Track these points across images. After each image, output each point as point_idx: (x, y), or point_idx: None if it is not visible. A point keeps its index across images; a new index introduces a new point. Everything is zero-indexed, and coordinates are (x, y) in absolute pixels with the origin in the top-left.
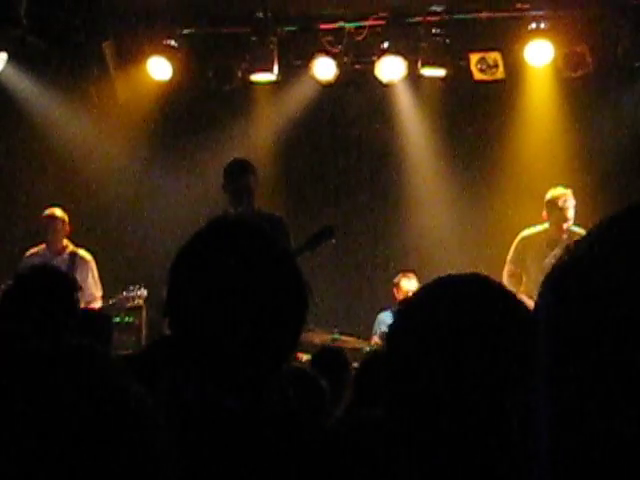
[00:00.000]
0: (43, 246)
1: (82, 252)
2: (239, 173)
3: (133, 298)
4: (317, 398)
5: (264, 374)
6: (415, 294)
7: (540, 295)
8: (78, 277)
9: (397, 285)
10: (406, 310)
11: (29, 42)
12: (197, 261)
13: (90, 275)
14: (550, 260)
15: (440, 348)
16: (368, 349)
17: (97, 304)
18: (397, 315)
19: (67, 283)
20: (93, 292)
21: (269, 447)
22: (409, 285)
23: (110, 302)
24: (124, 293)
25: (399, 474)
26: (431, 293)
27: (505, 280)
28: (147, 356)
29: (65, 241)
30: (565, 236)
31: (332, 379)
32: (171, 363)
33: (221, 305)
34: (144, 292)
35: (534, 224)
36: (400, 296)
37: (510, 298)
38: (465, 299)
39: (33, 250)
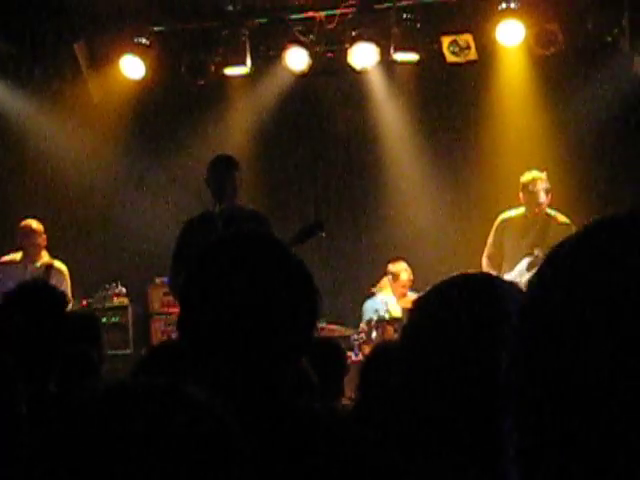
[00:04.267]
0: (19, 255)
1: (57, 263)
2: (224, 169)
3: (111, 296)
4: (308, 391)
5: (277, 377)
6: (430, 292)
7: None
8: None
9: (395, 275)
10: (422, 308)
11: None
12: (210, 272)
13: (63, 286)
14: (525, 243)
15: (457, 345)
16: (356, 337)
17: None
18: (413, 313)
19: (59, 299)
20: None
21: (290, 449)
22: (406, 276)
23: (88, 300)
24: (100, 292)
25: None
26: (447, 291)
27: (483, 262)
28: (150, 361)
29: (42, 252)
30: (541, 219)
31: (330, 370)
32: (179, 369)
33: (236, 315)
34: (122, 289)
35: (514, 205)
36: (398, 285)
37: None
38: (479, 297)
39: (7, 258)
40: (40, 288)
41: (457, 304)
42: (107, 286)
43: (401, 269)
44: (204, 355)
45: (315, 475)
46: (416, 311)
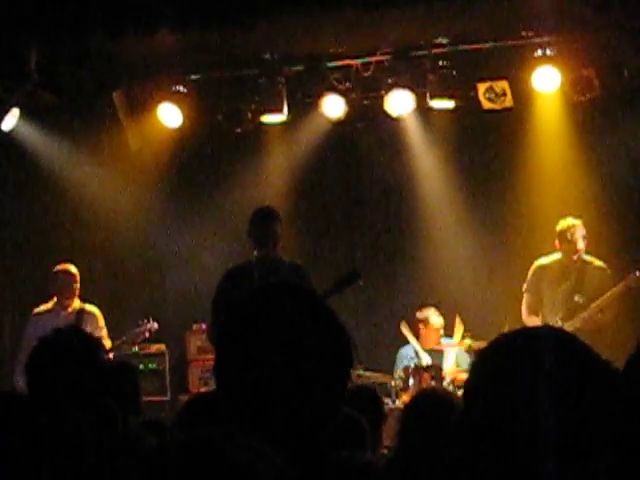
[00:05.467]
0: (52, 302)
1: (88, 307)
2: (268, 219)
3: (143, 332)
4: (359, 438)
5: (316, 433)
6: (490, 347)
7: None
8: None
9: (425, 321)
10: (483, 363)
11: (40, 96)
12: (246, 324)
13: (98, 328)
14: (564, 289)
15: (517, 400)
16: (393, 383)
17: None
18: (475, 368)
19: (92, 344)
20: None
21: None
22: (437, 321)
23: (122, 339)
24: (133, 329)
25: None
26: (505, 346)
27: (523, 311)
28: (188, 414)
29: (75, 298)
30: (578, 265)
31: (367, 418)
32: (213, 421)
33: (270, 367)
34: (154, 325)
35: (548, 252)
36: (428, 331)
37: (586, 351)
38: (539, 352)
39: (42, 307)
40: (72, 334)
41: (522, 360)
42: (139, 322)
43: (429, 314)
44: (239, 406)
45: None
46: (481, 365)
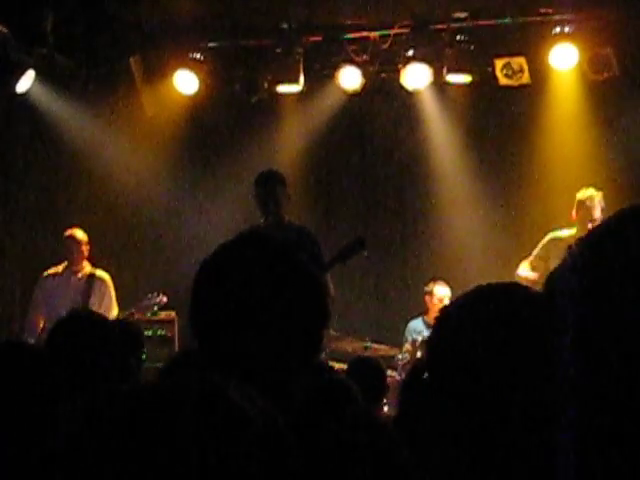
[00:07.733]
0: (61, 266)
1: (99, 272)
2: (267, 183)
3: (152, 305)
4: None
5: (287, 379)
6: (453, 304)
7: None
8: (95, 297)
9: (430, 293)
10: (446, 320)
11: (56, 60)
12: (219, 272)
13: (107, 295)
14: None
15: (480, 358)
16: (400, 357)
17: None
18: (437, 325)
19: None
20: (110, 312)
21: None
22: (442, 292)
23: (131, 311)
24: (143, 302)
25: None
26: (470, 303)
27: (521, 265)
28: (174, 366)
29: (84, 262)
30: None
31: (368, 389)
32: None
33: (241, 313)
34: (163, 298)
35: (561, 227)
36: (433, 303)
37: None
38: (503, 308)
39: (52, 270)
40: (82, 319)
41: (478, 317)
42: (149, 295)
43: (435, 286)
44: (215, 354)
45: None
46: (439, 325)
